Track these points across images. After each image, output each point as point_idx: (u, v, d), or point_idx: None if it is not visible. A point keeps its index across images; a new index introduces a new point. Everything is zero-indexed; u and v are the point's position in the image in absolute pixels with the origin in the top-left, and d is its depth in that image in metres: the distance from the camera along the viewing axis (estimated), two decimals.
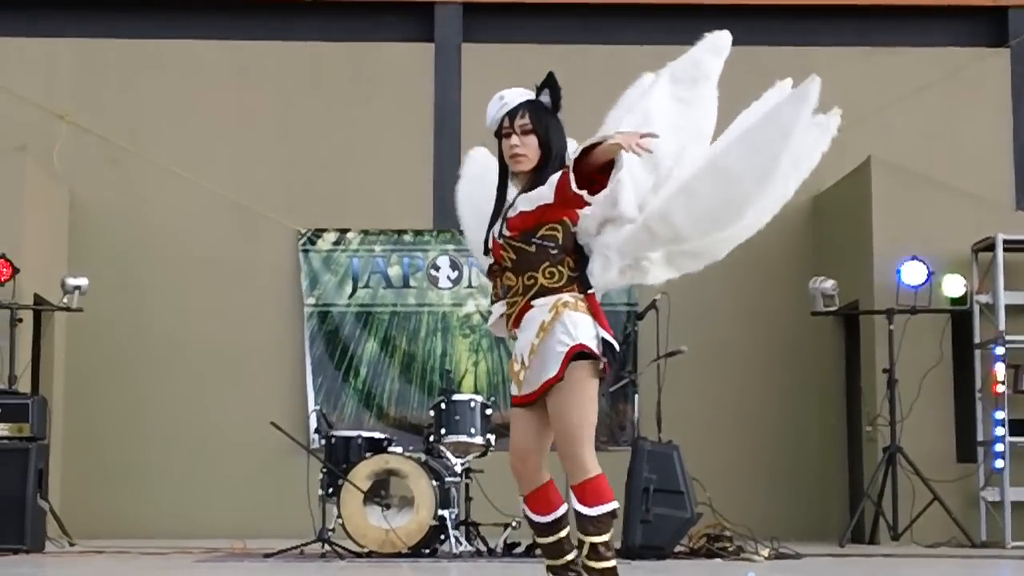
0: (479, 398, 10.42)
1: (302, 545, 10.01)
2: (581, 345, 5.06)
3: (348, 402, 13.62)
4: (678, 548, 9.90)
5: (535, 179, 5.22)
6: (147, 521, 13.16)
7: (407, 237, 13.88)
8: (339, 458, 10.16)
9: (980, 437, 12.10)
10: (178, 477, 13.43)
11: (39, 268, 12.53)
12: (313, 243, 13.83)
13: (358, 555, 9.77)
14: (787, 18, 14.35)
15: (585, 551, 5.12)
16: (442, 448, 10.23)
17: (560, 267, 5.18)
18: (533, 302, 5.17)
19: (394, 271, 13.84)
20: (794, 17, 14.37)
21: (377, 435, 10.49)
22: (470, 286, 13.85)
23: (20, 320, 11.85)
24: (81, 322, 13.01)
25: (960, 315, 12.30)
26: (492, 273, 5.39)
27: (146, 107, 13.99)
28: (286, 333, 13.74)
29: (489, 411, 10.36)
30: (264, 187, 13.89)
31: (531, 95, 5.39)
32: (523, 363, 5.17)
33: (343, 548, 9.85)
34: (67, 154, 13.70)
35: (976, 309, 12.21)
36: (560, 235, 5.17)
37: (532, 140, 5.27)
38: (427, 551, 9.86)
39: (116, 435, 13.46)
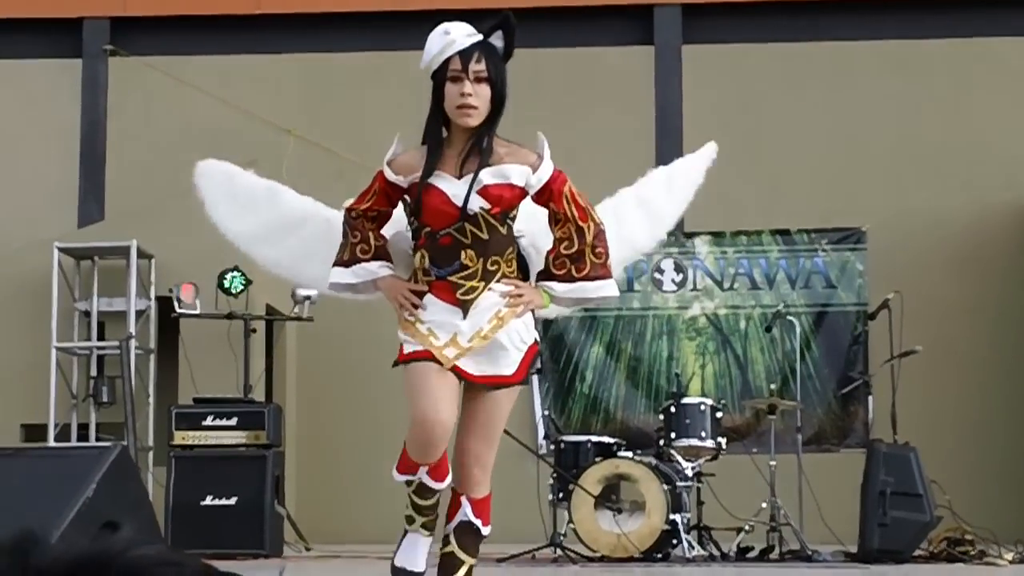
0: (709, 401, 10.34)
1: (534, 550, 10.02)
2: (535, 345, 4.74)
3: (575, 407, 13.60)
4: (917, 552, 9.67)
5: (479, 136, 4.64)
6: (380, 526, 13.27)
7: None
8: (569, 463, 10.15)
9: None
10: None
11: (271, 280, 12.73)
12: None
13: (590, 560, 9.75)
14: (1020, 6, 13.93)
15: (463, 572, 4.76)
16: (672, 452, 10.16)
17: (515, 253, 4.76)
18: (491, 286, 4.67)
19: (618, 274, 13.75)
20: None
21: (606, 439, 10.46)
22: (695, 289, 13.73)
23: (254, 331, 12.10)
24: (311, 331, 13.22)
25: None
26: (363, 220, 4.82)
27: (370, 119, 14.19)
28: None
29: (719, 414, 10.27)
30: None
31: (480, 36, 4.67)
32: (457, 343, 4.61)
33: (575, 553, 9.84)
34: (295, 168, 13.94)
35: None
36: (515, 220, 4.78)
37: (486, 91, 4.61)
38: (659, 556, 9.80)
39: (348, 441, 13.67)
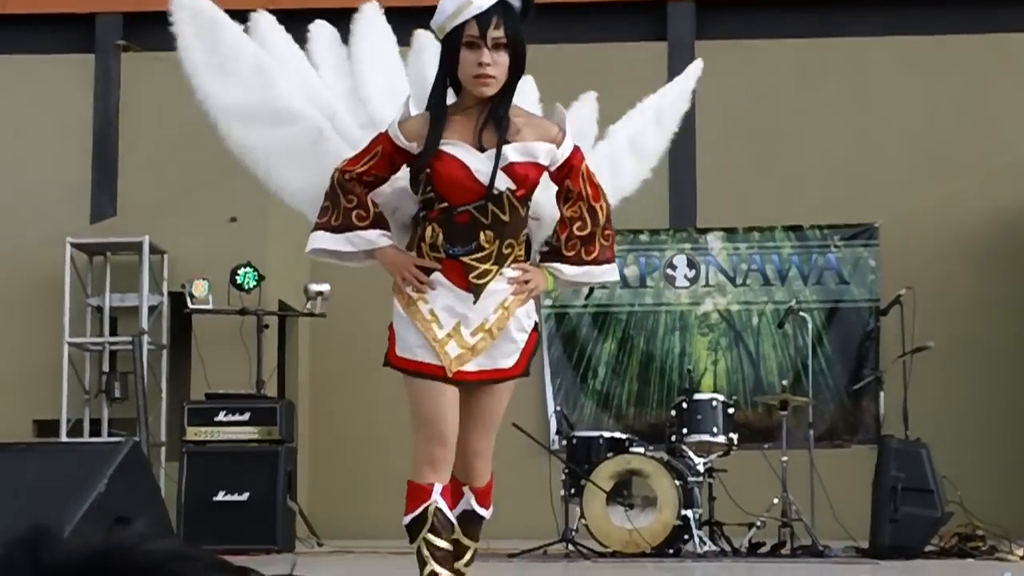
0: (720, 397, 10.35)
1: (546, 545, 10.03)
2: (535, 332, 4.48)
3: (587, 403, 13.60)
4: (928, 548, 9.67)
5: (497, 106, 4.27)
6: (392, 521, 13.28)
7: (643, 237, 13.80)
8: (581, 459, 10.16)
9: None
10: None
11: (283, 275, 12.79)
12: None
13: (602, 555, 9.76)
14: None
15: (467, 558, 4.58)
16: (684, 448, 10.17)
17: (527, 235, 4.48)
18: (502, 270, 4.37)
19: (631, 271, 13.76)
20: None
21: (618, 435, 10.47)
22: (707, 285, 13.72)
23: (266, 326, 12.11)
24: (324, 327, 13.23)
25: None
26: (357, 184, 4.35)
27: None
28: None
29: (731, 410, 10.27)
30: None
31: None
32: (460, 335, 4.34)
33: (587, 548, 9.85)
34: None
35: None
36: None
37: (504, 59, 4.22)
38: (671, 551, 9.80)
39: (360, 437, 13.67)
